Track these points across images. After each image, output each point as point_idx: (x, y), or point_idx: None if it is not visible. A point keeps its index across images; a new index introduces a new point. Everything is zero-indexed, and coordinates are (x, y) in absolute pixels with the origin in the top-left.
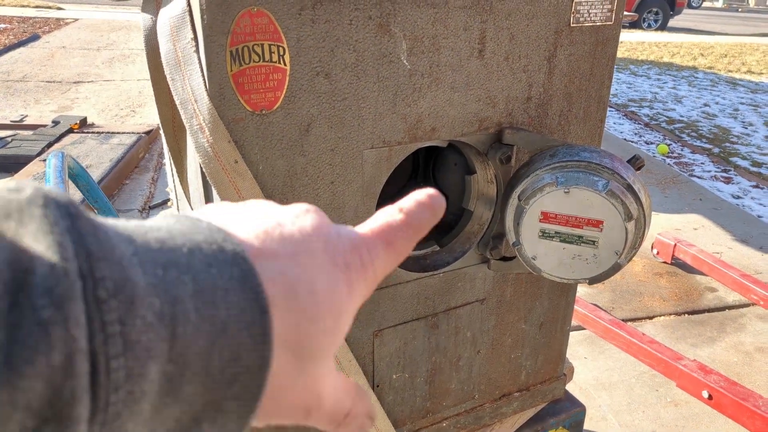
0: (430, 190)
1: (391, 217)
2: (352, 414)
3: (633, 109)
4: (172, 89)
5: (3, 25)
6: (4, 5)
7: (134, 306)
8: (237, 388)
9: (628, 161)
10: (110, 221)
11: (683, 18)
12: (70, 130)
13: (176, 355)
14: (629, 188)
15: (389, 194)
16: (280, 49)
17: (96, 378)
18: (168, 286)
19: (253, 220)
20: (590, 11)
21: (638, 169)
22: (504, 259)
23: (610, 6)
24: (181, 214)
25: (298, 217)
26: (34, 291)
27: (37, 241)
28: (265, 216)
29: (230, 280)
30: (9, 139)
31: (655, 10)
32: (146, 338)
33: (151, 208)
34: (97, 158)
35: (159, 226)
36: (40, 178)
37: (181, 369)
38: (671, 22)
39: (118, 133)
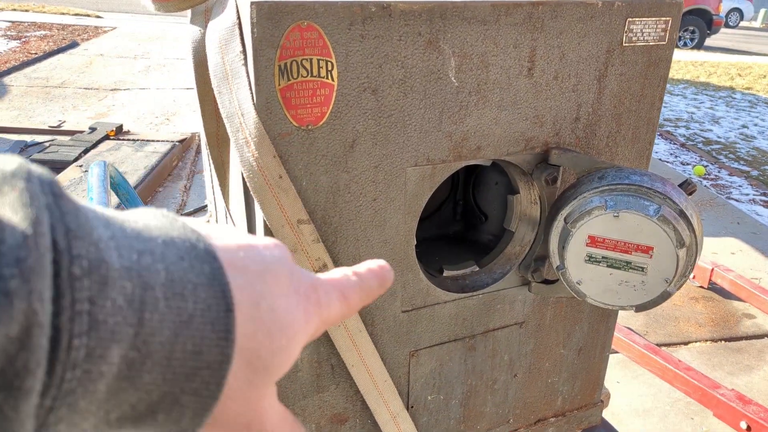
0: (381, 262)
1: (347, 275)
2: None
3: (669, 128)
4: (218, 102)
5: (43, 32)
6: (44, 12)
7: (106, 287)
8: (196, 383)
9: (680, 185)
10: (90, 205)
11: (720, 37)
12: (107, 137)
13: (140, 342)
14: (682, 214)
15: (428, 212)
16: (329, 64)
17: (55, 353)
18: (141, 272)
19: (229, 235)
20: (643, 31)
21: (690, 194)
22: (546, 282)
23: (663, 26)
24: (158, 210)
25: (270, 245)
26: (2, 260)
27: (14, 211)
28: (239, 236)
29: (200, 275)
30: (47, 144)
31: (691, 28)
32: (113, 321)
33: (183, 216)
34: (132, 165)
35: (136, 218)
36: (76, 183)
37: (143, 356)
38: (708, 41)
39: (152, 140)
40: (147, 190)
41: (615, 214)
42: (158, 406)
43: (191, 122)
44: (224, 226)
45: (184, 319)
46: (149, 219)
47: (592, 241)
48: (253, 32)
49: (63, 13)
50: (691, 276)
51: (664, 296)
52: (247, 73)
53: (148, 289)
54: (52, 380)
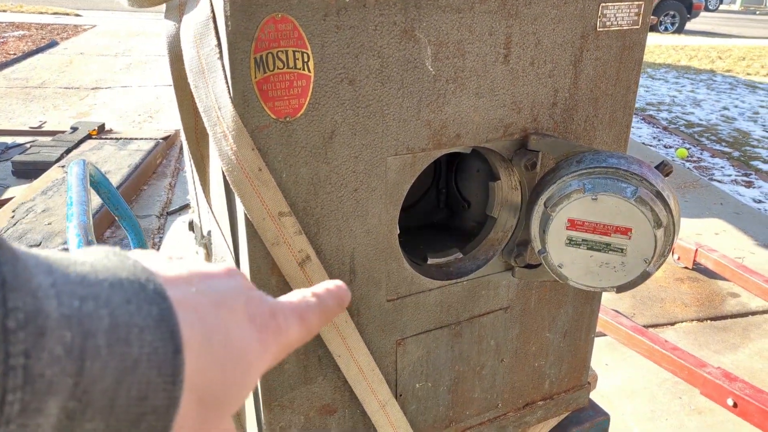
0: (338, 282)
1: (306, 297)
2: None
3: (651, 112)
4: (195, 96)
5: (22, 32)
6: (22, 12)
7: (43, 338)
8: (142, 428)
9: (656, 167)
10: (34, 251)
11: (700, 21)
12: (89, 136)
13: (81, 392)
14: (658, 195)
15: (411, 201)
16: (305, 55)
17: None
18: (83, 319)
19: (182, 269)
20: (617, 15)
21: (667, 175)
22: (529, 266)
23: (636, 10)
24: (111, 249)
25: (225, 275)
26: None
27: None
28: (193, 268)
29: (147, 317)
30: (28, 145)
31: (672, 13)
32: (50, 372)
33: (168, 213)
34: (116, 164)
35: (84, 260)
36: (59, 184)
37: (84, 406)
38: (688, 25)
39: (135, 139)
40: (131, 189)
41: (593, 197)
42: None
43: (175, 119)
44: (180, 259)
45: (129, 364)
46: (99, 259)
47: (572, 224)
48: (227, 25)
49: (41, 13)
50: (676, 257)
51: (644, 276)
52: (223, 66)
53: (90, 337)
54: None
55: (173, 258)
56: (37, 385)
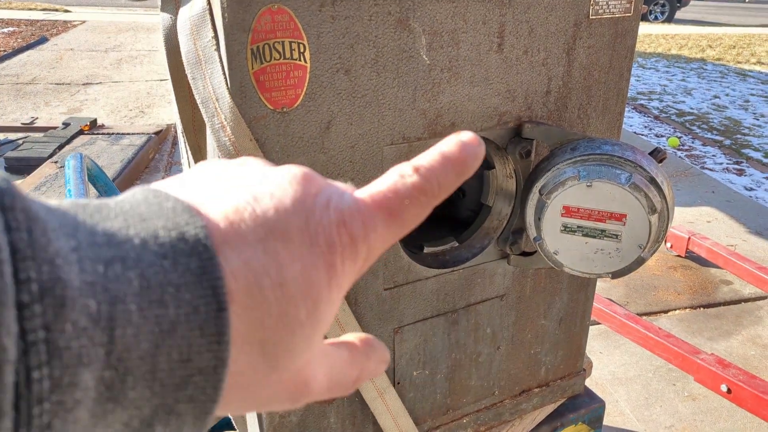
0: (463, 135)
1: (402, 179)
2: (362, 377)
3: (642, 101)
4: (192, 88)
5: (11, 29)
6: (11, 8)
7: (64, 309)
8: (190, 391)
9: (650, 153)
10: (62, 207)
11: (690, 9)
12: (81, 132)
13: (115, 360)
14: (652, 181)
15: None
16: (301, 46)
17: (17, 390)
18: (109, 284)
19: (230, 192)
20: (609, 3)
21: (660, 161)
22: (524, 254)
23: None
24: (153, 189)
25: (280, 188)
26: None
27: None
28: (244, 186)
29: (185, 273)
30: (20, 141)
31: (661, 2)
32: (77, 344)
33: None
34: (109, 159)
35: (118, 211)
36: (52, 179)
37: (122, 374)
38: (678, 14)
39: (128, 134)
40: (125, 183)
41: (588, 184)
42: (153, 419)
43: (166, 114)
44: (237, 166)
45: (165, 327)
46: (134, 207)
47: (567, 211)
48: (224, 17)
49: (30, 9)
50: (669, 245)
51: (639, 262)
52: (220, 58)
53: (118, 303)
54: (20, 419)
55: (228, 168)
56: (65, 358)
